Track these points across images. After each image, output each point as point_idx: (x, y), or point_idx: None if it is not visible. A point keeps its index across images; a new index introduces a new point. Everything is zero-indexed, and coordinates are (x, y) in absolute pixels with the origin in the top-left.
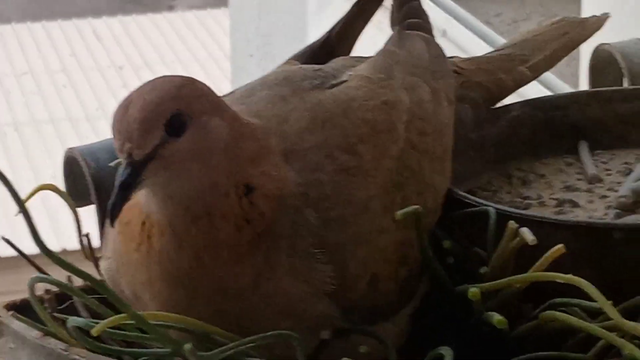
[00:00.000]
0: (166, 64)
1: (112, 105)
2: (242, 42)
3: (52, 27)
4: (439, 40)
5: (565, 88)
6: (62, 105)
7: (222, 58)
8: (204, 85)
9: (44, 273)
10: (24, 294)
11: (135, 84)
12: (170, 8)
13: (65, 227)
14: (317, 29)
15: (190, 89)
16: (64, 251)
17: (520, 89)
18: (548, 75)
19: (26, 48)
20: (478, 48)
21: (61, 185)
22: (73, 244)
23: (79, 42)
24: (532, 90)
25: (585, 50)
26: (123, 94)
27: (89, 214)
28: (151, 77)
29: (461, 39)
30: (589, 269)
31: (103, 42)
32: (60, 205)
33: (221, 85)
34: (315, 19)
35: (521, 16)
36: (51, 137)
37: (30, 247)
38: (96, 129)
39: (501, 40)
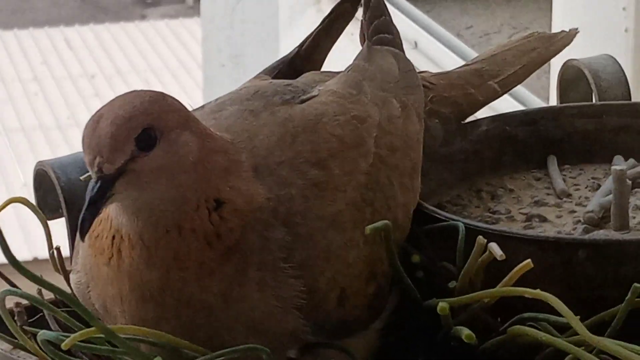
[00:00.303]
0: (138, 73)
1: (84, 114)
2: (214, 52)
3: (23, 35)
4: (410, 52)
5: (536, 101)
6: (34, 114)
7: (194, 67)
8: (175, 100)
9: (14, 285)
10: None
11: (107, 92)
12: (143, 17)
13: (36, 235)
14: (288, 39)
15: (161, 104)
16: (35, 260)
17: (492, 103)
18: (519, 89)
19: None
20: (449, 60)
21: (32, 196)
22: (44, 253)
23: (51, 50)
24: (503, 104)
25: (556, 64)
26: (95, 102)
27: (59, 226)
28: (123, 86)
29: (432, 51)
30: (556, 284)
31: (75, 50)
32: (31, 215)
33: (193, 94)
34: (287, 29)
35: (492, 29)
36: (22, 145)
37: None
38: (67, 138)
39: (472, 53)
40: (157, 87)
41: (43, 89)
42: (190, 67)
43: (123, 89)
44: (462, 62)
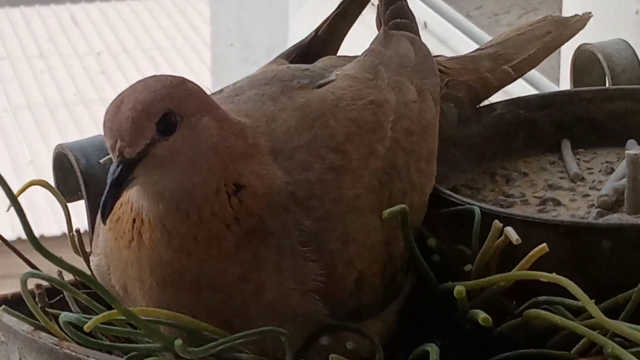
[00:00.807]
0: (145, 51)
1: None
2: (222, 31)
3: (29, 12)
4: (420, 32)
5: (547, 82)
6: (40, 91)
7: (201, 46)
8: (195, 85)
9: (34, 267)
10: (14, 279)
11: (113, 70)
12: None
13: (43, 214)
14: (297, 19)
15: (181, 89)
16: (42, 237)
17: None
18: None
19: (3, 34)
20: (458, 41)
21: (43, 172)
22: (51, 230)
23: (57, 28)
24: (514, 86)
25: (566, 45)
26: (101, 80)
27: (76, 208)
28: (129, 64)
29: (442, 31)
30: (571, 268)
31: (81, 28)
32: (36, 192)
33: (200, 73)
34: (296, 8)
35: (502, 9)
36: (28, 122)
37: (10, 233)
38: (74, 115)
39: (481, 33)
40: (164, 66)
41: (49, 67)
42: (197, 46)
43: (129, 67)
44: (472, 43)
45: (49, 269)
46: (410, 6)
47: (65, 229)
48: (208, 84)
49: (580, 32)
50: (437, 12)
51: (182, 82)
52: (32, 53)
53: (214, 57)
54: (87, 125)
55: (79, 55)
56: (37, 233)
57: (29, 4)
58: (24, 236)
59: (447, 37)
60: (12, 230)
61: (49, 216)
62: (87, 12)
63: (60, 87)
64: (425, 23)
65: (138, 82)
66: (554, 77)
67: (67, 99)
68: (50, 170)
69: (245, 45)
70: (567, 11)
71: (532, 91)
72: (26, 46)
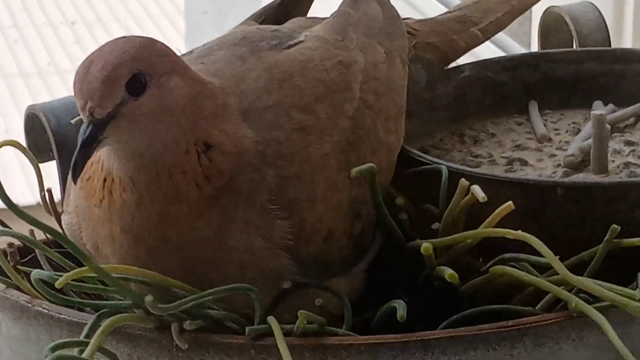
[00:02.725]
0: (119, 20)
1: (64, 61)
2: None
3: None
4: None
5: (518, 48)
6: (14, 60)
7: (176, 15)
8: (164, 45)
9: (6, 226)
10: None
11: (87, 40)
12: None
13: (16, 183)
14: None
15: (151, 50)
16: (38, 205)
17: (474, 50)
18: (501, 36)
19: None
20: (431, 7)
21: (18, 140)
22: (25, 199)
23: None
24: (486, 51)
25: (538, 12)
26: (75, 49)
27: (48, 170)
28: (104, 34)
29: None
30: (537, 226)
31: None
32: (11, 161)
33: (175, 42)
34: None
35: None
36: (2, 92)
37: None
38: (48, 85)
39: (455, 0)
40: (139, 34)
41: (23, 36)
42: (172, 15)
43: (103, 36)
44: (443, 9)
45: (21, 229)
46: None
47: (17, 200)
48: (183, 52)
49: None
50: None
51: (152, 42)
52: (5, 22)
53: (188, 26)
54: (61, 94)
55: (52, 25)
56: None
57: None
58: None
59: (419, 3)
60: None
61: (24, 186)
62: None
63: (34, 56)
64: None
65: (107, 43)
66: (526, 42)
67: (41, 68)
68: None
69: (218, 13)
70: None
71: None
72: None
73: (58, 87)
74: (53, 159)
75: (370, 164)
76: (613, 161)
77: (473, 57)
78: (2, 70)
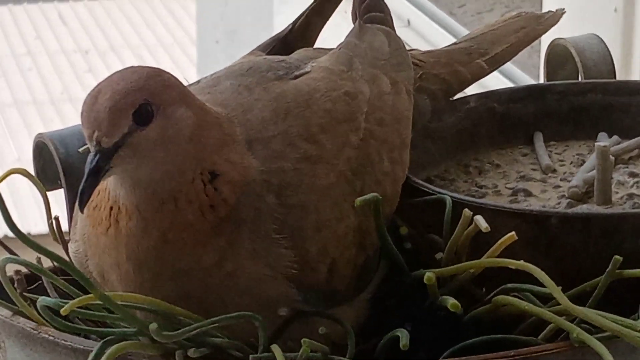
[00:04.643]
0: (132, 48)
1: (77, 89)
2: (208, 28)
3: (18, 10)
4: (403, 30)
5: (527, 79)
6: (27, 89)
7: (188, 43)
8: (171, 76)
9: (14, 253)
10: None
11: (100, 68)
12: None
13: (29, 212)
14: (283, 15)
15: (158, 80)
16: (29, 235)
17: (483, 80)
18: (510, 67)
19: None
20: (441, 38)
21: (29, 169)
22: (37, 228)
23: (45, 25)
24: (494, 82)
25: (547, 43)
26: (88, 78)
27: (57, 197)
28: (116, 62)
29: (425, 29)
30: (540, 256)
31: (69, 25)
32: (24, 190)
33: (187, 70)
34: (281, 5)
35: (485, 8)
36: (15, 120)
37: (0, 229)
38: (61, 113)
39: (464, 31)
40: (151, 63)
41: (37, 64)
42: (184, 43)
43: (116, 65)
44: (455, 40)
45: (29, 257)
46: (393, 3)
47: (28, 229)
48: (194, 81)
49: (560, 29)
50: (420, 10)
51: (159, 73)
52: (19, 51)
53: (199, 54)
54: (74, 122)
55: (66, 53)
56: (23, 231)
57: (17, 2)
58: (8, 234)
59: (430, 34)
60: None
61: (36, 214)
62: (74, 10)
63: (47, 84)
64: (408, 20)
65: (115, 73)
66: (535, 74)
67: (54, 96)
68: None
69: (230, 42)
70: (548, 9)
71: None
72: (14, 43)
73: (71, 115)
74: (61, 187)
75: (375, 194)
76: (617, 192)
77: (482, 88)
78: (15, 98)
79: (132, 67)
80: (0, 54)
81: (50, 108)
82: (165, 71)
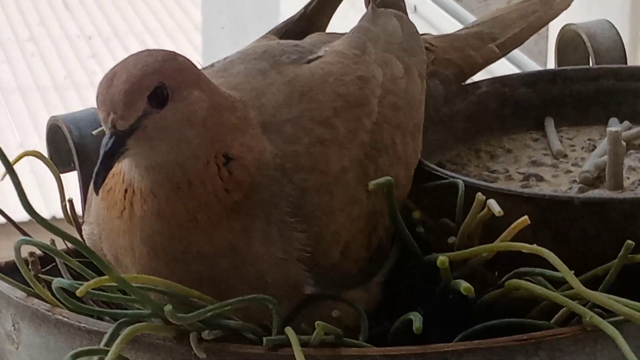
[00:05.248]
0: (136, 35)
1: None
2: (214, 14)
3: None
4: (410, 16)
5: (534, 65)
6: (30, 74)
7: (192, 30)
8: (186, 59)
9: (28, 235)
10: (10, 259)
11: (104, 54)
12: None
13: (33, 197)
14: (289, 2)
15: (173, 63)
16: (53, 219)
17: (490, 66)
18: (517, 53)
19: None
20: (448, 24)
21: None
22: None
23: (48, 11)
24: (502, 68)
25: (553, 29)
26: (92, 63)
27: (71, 180)
28: (120, 48)
29: (432, 15)
30: (552, 241)
31: (72, 11)
32: (27, 175)
33: (192, 57)
34: None
35: None
36: (19, 105)
37: (16, 215)
38: (64, 98)
39: (471, 17)
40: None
41: (40, 50)
42: (188, 30)
43: (120, 51)
44: (461, 26)
45: (42, 240)
46: None
47: (54, 212)
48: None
49: (569, 14)
50: None
51: (174, 56)
52: (22, 36)
53: (205, 41)
54: (77, 108)
55: (69, 39)
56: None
57: None
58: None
59: (436, 20)
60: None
61: (40, 200)
62: None
63: (51, 70)
64: (415, 7)
65: (130, 56)
66: (542, 60)
67: (58, 82)
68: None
69: (236, 28)
70: None
71: None
72: (17, 29)
73: (74, 100)
74: (73, 169)
75: (388, 177)
76: (628, 178)
77: (489, 74)
78: (18, 84)
79: (147, 50)
80: (3, 39)
81: (53, 93)
82: (180, 54)
